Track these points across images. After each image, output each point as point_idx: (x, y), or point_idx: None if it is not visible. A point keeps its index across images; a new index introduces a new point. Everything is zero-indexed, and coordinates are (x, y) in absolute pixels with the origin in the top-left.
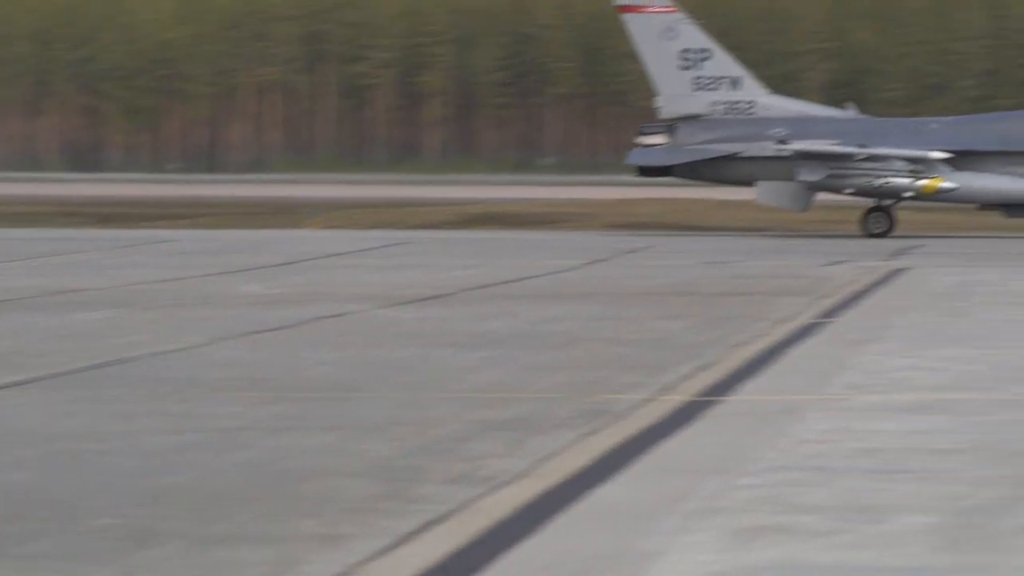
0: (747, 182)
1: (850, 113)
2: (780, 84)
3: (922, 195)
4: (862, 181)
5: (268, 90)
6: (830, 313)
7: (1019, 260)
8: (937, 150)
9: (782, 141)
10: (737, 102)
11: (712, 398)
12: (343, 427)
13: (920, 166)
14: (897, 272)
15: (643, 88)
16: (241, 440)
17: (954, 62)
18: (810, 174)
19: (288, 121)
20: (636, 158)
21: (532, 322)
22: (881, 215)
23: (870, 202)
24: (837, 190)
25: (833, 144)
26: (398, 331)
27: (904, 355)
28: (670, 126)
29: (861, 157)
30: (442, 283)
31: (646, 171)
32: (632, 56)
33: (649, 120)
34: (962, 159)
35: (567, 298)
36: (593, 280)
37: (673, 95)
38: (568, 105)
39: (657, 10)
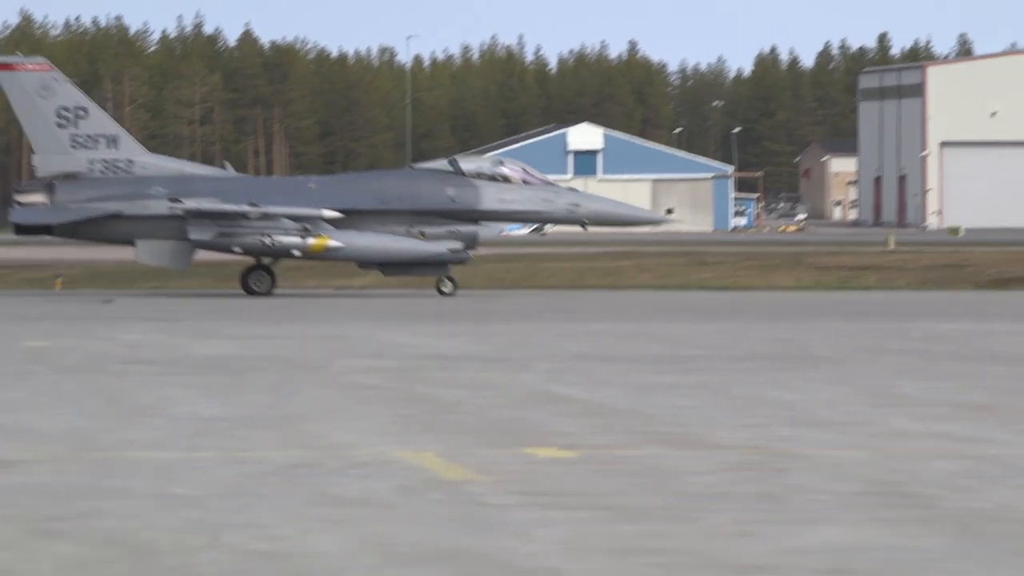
0: (129, 241)
1: (229, 172)
2: None
3: (310, 253)
4: (252, 240)
5: None
6: None
7: None
8: (327, 209)
9: (174, 199)
10: (115, 160)
11: None
12: None
13: (308, 224)
14: None
15: None
16: None
17: None
18: (200, 232)
19: None
20: (17, 216)
21: None
22: (262, 273)
23: (250, 261)
24: (226, 248)
25: (225, 203)
26: None
27: None
28: (48, 184)
29: (254, 216)
30: None
31: (25, 230)
32: None
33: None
34: (345, 218)
35: None
36: None
37: (50, 154)
38: None
39: (31, 68)
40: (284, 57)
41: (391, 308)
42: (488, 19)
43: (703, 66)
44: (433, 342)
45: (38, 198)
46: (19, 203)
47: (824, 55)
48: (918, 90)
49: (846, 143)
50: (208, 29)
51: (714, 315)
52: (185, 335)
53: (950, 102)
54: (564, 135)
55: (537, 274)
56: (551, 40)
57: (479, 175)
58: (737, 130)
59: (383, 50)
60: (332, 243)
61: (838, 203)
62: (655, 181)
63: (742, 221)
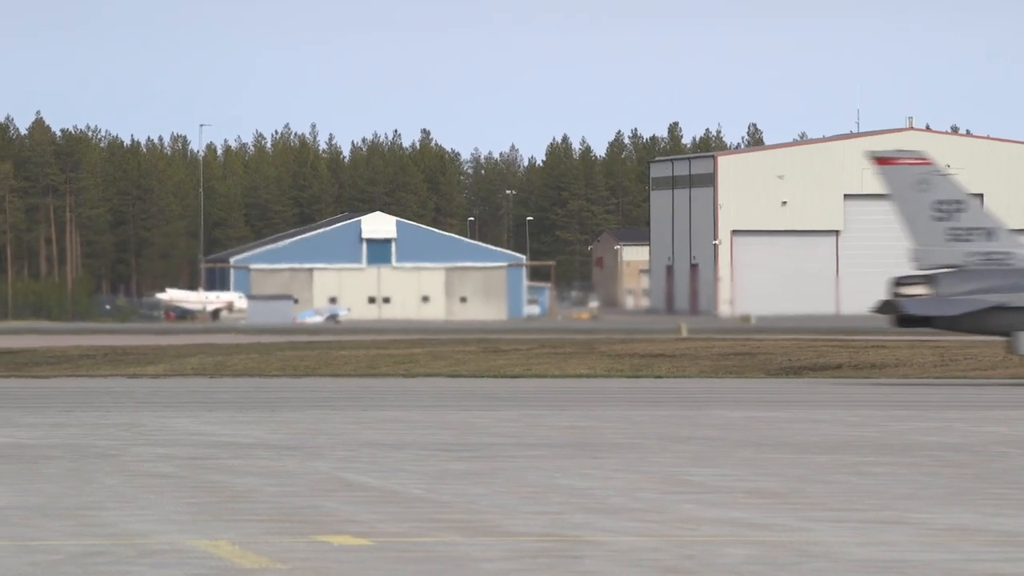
0: (1008, 332)
1: None
2: None
3: None
4: None
5: None
6: None
7: None
8: None
9: None
10: (993, 252)
11: None
12: None
13: None
14: None
15: None
16: None
17: None
18: None
19: None
20: (909, 307)
21: None
22: None
23: None
24: None
25: None
26: None
27: None
28: (927, 277)
29: None
30: None
31: (909, 320)
32: None
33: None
34: None
35: None
36: None
37: (927, 246)
38: None
39: (911, 162)
40: (76, 145)
41: (184, 395)
42: (281, 107)
43: (496, 155)
44: (226, 430)
45: (921, 290)
46: (901, 294)
47: (616, 144)
48: (709, 179)
49: (638, 232)
50: None
51: (507, 403)
52: None
53: (741, 191)
54: (358, 224)
55: (331, 362)
56: (344, 128)
57: None
58: (530, 219)
59: (176, 138)
60: None
61: (630, 291)
62: (448, 269)
63: (535, 310)
